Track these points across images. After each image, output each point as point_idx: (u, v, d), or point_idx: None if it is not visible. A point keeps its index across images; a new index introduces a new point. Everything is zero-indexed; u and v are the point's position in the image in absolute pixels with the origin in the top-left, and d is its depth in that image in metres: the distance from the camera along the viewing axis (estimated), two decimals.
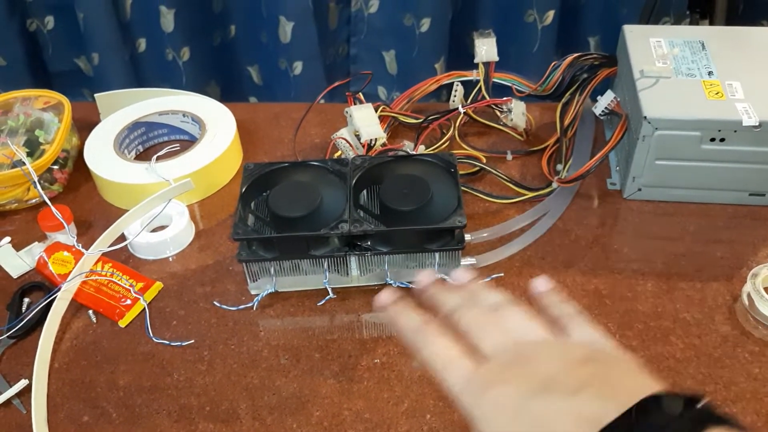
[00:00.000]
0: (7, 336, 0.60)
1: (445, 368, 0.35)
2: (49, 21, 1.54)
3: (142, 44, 1.53)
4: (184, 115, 0.81)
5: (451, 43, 1.52)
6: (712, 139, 0.65)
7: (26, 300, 0.64)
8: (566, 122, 0.76)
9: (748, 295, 0.60)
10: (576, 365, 0.33)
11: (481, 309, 0.38)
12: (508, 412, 0.32)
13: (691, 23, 1.30)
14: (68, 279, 0.62)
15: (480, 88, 0.78)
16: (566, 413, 0.30)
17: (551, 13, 1.42)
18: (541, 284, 0.40)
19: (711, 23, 1.26)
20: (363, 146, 0.75)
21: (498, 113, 0.79)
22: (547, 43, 1.46)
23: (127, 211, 0.69)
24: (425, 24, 1.46)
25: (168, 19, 1.47)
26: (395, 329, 0.39)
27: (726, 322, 0.59)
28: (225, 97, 1.61)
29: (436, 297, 0.40)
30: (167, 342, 0.60)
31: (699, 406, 0.29)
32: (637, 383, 0.31)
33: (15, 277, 0.67)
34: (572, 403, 0.30)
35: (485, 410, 0.32)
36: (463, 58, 1.55)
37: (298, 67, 1.54)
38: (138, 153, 0.82)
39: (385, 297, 0.40)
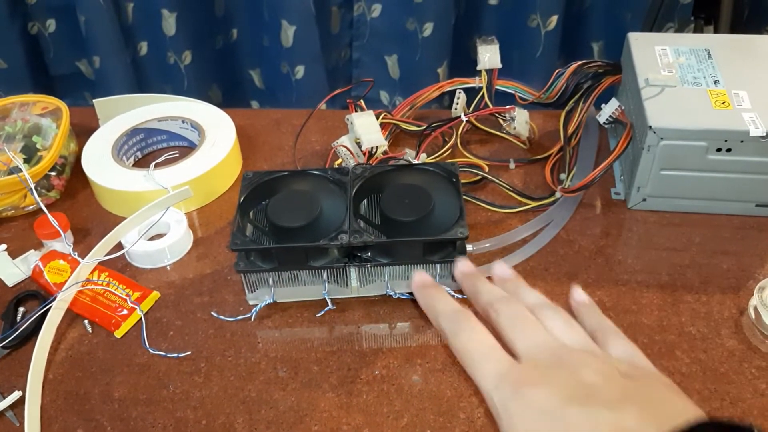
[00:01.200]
0: (1, 346, 0.59)
1: (479, 360, 0.34)
2: (51, 24, 1.53)
3: (143, 47, 1.53)
4: (183, 122, 0.80)
5: (453, 47, 1.51)
6: (719, 150, 0.64)
7: (21, 309, 0.63)
8: (570, 130, 0.75)
9: (755, 309, 0.59)
10: (617, 378, 0.32)
11: (520, 305, 0.36)
12: (542, 415, 0.30)
13: (695, 28, 1.29)
14: (64, 288, 0.62)
15: (483, 95, 0.78)
16: (605, 425, 0.29)
17: (554, 18, 1.42)
18: (579, 295, 0.39)
19: (715, 29, 1.25)
20: (364, 154, 0.74)
21: (501, 121, 0.78)
22: (550, 48, 1.45)
23: (124, 218, 0.68)
24: (428, 28, 1.45)
25: (170, 23, 1.46)
26: (429, 311, 0.38)
27: (732, 337, 0.58)
28: (227, 101, 1.61)
29: (476, 286, 0.39)
30: (164, 353, 0.59)
31: None
32: (678, 407, 0.31)
33: (10, 286, 0.66)
34: (613, 416, 0.29)
35: (517, 410, 0.31)
36: (465, 63, 1.55)
37: (300, 71, 1.53)
38: (136, 159, 0.81)
39: (419, 278, 0.40)
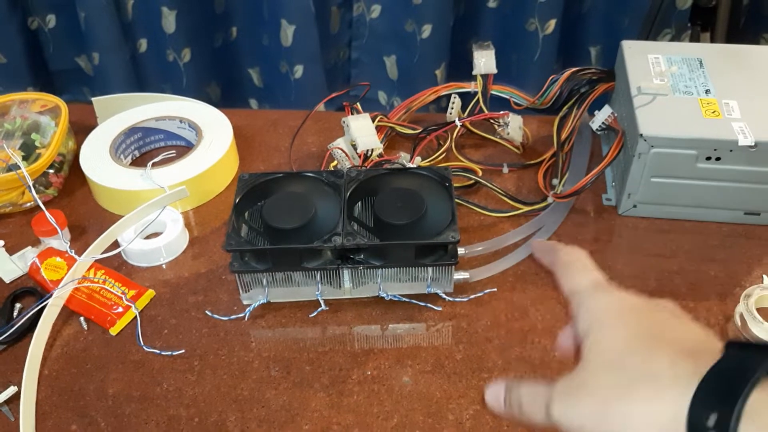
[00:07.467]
0: None
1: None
2: (51, 19, 1.54)
3: (143, 44, 1.53)
4: (180, 121, 0.81)
5: (452, 49, 1.52)
6: (708, 158, 0.65)
7: (18, 305, 0.64)
8: (563, 136, 0.76)
9: (741, 316, 0.59)
10: None
11: None
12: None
13: (692, 36, 1.30)
14: (60, 285, 0.62)
15: (478, 100, 0.78)
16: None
17: (552, 22, 1.42)
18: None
19: (712, 36, 1.25)
20: (359, 156, 0.74)
21: (495, 126, 0.79)
22: (548, 52, 1.46)
23: (121, 217, 0.69)
24: (426, 30, 1.46)
25: (169, 20, 1.47)
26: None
27: None
28: (225, 99, 1.62)
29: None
30: (158, 351, 0.60)
31: None
32: None
33: (7, 282, 0.67)
34: None
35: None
36: (463, 65, 1.55)
37: (299, 70, 1.54)
38: (134, 158, 0.82)
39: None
